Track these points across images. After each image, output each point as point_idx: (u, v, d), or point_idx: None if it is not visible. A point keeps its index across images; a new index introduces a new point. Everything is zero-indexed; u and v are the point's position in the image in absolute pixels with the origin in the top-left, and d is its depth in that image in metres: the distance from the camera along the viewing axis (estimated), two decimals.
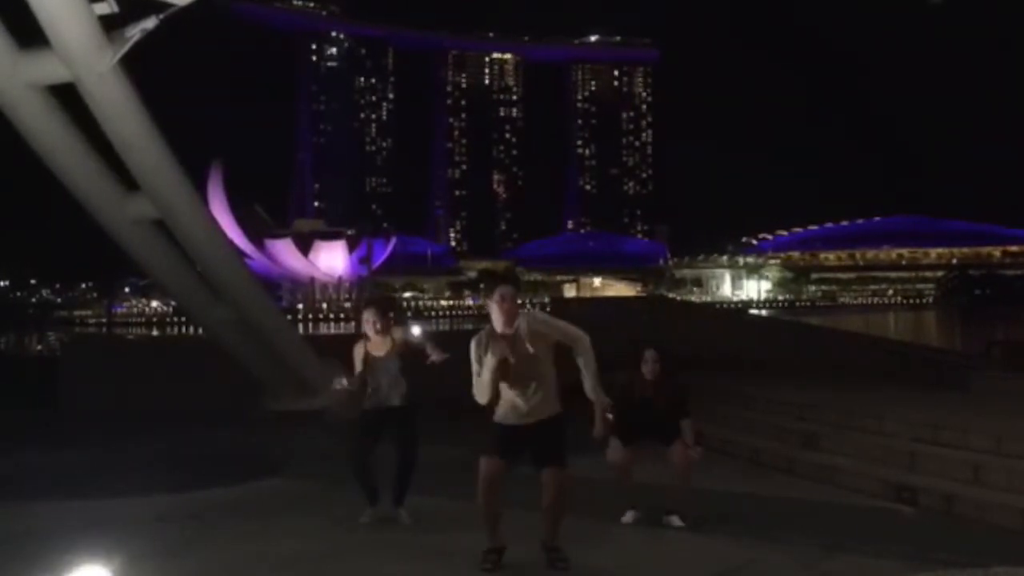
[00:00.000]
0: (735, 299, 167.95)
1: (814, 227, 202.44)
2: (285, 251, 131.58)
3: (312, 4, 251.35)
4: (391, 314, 7.40)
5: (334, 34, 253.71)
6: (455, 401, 7.00)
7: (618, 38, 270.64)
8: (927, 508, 7.56)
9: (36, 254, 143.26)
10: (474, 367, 5.74)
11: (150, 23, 8.42)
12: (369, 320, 7.18)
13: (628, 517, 7.12)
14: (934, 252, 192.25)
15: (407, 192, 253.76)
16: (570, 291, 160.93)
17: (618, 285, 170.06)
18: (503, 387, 5.72)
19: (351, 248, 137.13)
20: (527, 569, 5.94)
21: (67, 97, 8.90)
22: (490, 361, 5.58)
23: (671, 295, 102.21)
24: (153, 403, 13.02)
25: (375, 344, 7.13)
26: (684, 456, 7.11)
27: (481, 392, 5.67)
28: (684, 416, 7.20)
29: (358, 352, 7.17)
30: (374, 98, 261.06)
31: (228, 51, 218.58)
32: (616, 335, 7.45)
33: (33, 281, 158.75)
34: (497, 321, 5.68)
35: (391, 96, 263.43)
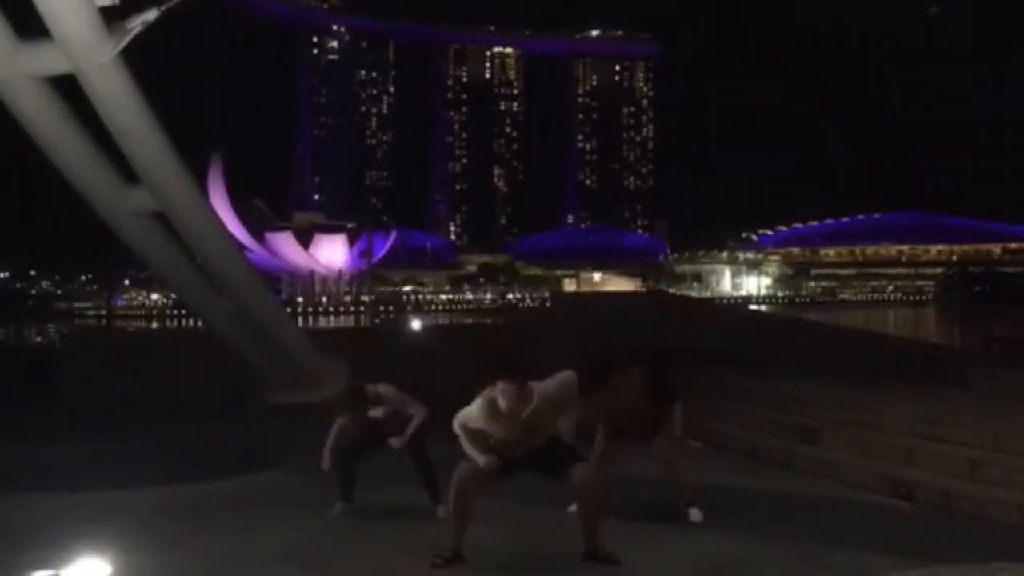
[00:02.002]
0: (735, 295, 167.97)
1: (814, 223, 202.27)
2: (285, 244, 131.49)
3: None
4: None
5: (335, 27, 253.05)
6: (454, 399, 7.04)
7: (619, 32, 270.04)
8: (925, 504, 7.57)
9: (36, 246, 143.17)
10: (468, 417, 5.84)
11: (151, 15, 8.39)
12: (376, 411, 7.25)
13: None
14: (934, 249, 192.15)
15: (407, 186, 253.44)
16: (570, 286, 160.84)
17: (618, 280, 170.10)
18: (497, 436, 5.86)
19: (351, 241, 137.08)
20: (528, 562, 5.95)
21: (67, 88, 8.88)
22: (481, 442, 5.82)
23: (671, 290, 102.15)
24: (152, 396, 13.01)
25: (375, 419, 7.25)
26: (668, 450, 7.16)
27: (468, 450, 5.85)
28: (672, 401, 7.26)
29: (341, 423, 7.28)
30: (374, 91, 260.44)
31: (229, 43, 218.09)
32: (622, 331, 7.42)
33: (33, 273, 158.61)
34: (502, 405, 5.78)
35: (391, 90, 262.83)
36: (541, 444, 5.89)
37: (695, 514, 7.03)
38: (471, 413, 5.86)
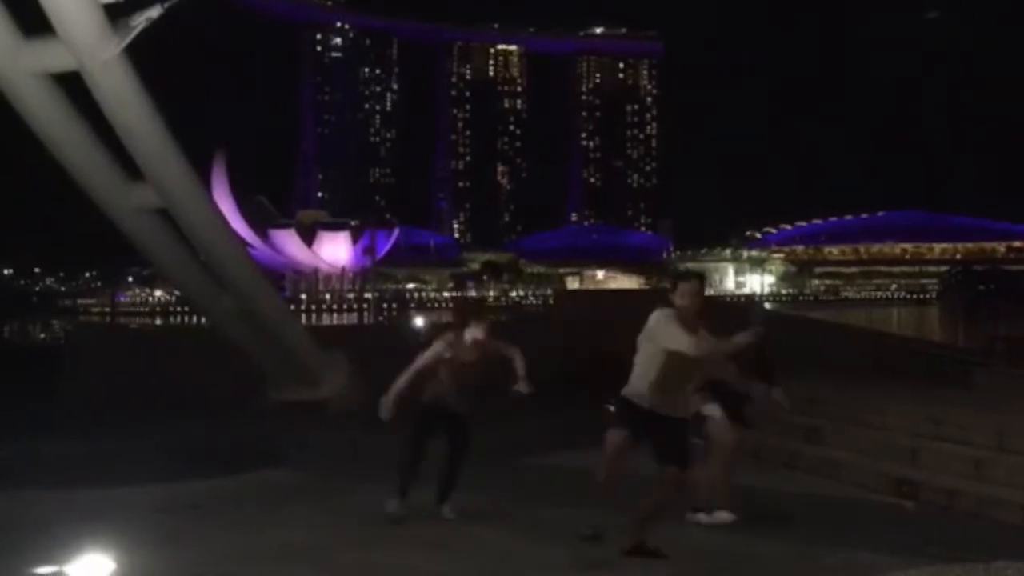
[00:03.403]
0: (738, 293, 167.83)
1: (818, 221, 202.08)
2: (289, 241, 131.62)
3: None
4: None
5: (338, 24, 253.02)
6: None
7: (623, 30, 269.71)
8: (928, 503, 7.56)
9: (40, 243, 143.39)
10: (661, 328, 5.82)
11: (155, 11, 8.42)
12: (478, 329, 6.94)
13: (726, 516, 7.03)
14: (938, 247, 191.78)
15: (411, 183, 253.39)
16: (573, 284, 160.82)
17: (621, 278, 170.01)
18: (664, 371, 5.81)
19: (355, 239, 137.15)
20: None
21: (71, 86, 8.90)
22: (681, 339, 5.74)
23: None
24: (156, 392, 13.03)
25: (468, 350, 6.91)
26: (737, 441, 7.16)
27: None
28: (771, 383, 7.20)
29: (440, 348, 6.91)
30: (378, 89, 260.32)
31: (232, 41, 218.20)
32: (624, 328, 7.36)
33: (37, 269, 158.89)
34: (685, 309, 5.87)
35: (395, 87, 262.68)
36: (677, 417, 5.90)
37: (724, 516, 7.01)
38: (664, 326, 5.82)
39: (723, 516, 6.95)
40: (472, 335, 6.92)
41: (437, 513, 6.97)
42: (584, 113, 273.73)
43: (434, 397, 6.94)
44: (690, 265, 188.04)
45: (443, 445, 7.04)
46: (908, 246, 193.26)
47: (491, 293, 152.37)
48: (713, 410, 7.13)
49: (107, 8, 8.25)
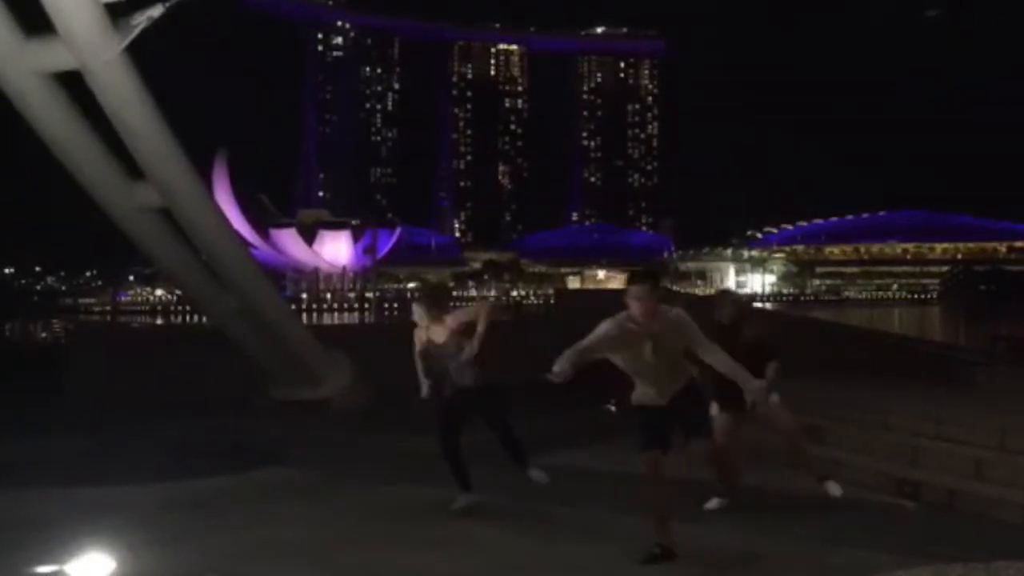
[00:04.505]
0: (740, 292, 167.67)
1: (819, 221, 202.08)
2: (290, 241, 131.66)
3: None
4: (443, 303, 7.47)
5: (340, 24, 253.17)
6: None
7: (624, 30, 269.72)
8: (929, 503, 7.56)
9: (41, 241, 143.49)
10: (590, 337, 5.69)
11: (156, 11, 8.44)
12: (417, 313, 7.26)
13: (713, 503, 7.20)
14: (939, 247, 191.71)
15: (412, 183, 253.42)
16: (574, 283, 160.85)
17: (622, 278, 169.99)
18: (638, 375, 5.88)
19: (356, 238, 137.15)
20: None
21: (73, 85, 8.91)
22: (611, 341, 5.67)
23: (675, 288, 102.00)
24: (157, 391, 13.04)
25: (433, 332, 7.18)
26: (793, 420, 7.33)
27: (567, 359, 5.45)
28: (769, 360, 7.20)
29: (417, 337, 7.26)
30: (379, 88, 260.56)
31: (233, 40, 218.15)
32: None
33: (38, 268, 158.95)
34: (634, 314, 5.72)
35: (396, 87, 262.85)
36: (681, 390, 5.92)
37: (834, 488, 7.07)
38: (598, 329, 5.70)
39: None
40: (415, 314, 7.23)
41: (528, 483, 7.15)
42: (585, 112, 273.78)
43: (440, 387, 7.20)
44: (691, 265, 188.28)
45: (486, 430, 7.20)
46: (909, 246, 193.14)
47: (492, 293, 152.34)
48: (713, 409, 7.24)
49: (108, 7, 8.27)
